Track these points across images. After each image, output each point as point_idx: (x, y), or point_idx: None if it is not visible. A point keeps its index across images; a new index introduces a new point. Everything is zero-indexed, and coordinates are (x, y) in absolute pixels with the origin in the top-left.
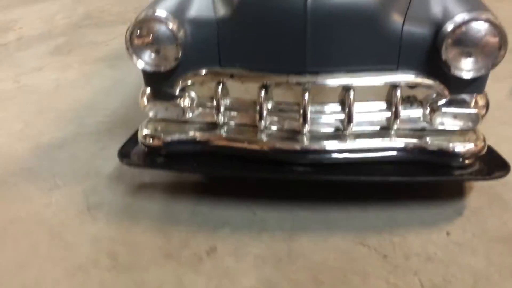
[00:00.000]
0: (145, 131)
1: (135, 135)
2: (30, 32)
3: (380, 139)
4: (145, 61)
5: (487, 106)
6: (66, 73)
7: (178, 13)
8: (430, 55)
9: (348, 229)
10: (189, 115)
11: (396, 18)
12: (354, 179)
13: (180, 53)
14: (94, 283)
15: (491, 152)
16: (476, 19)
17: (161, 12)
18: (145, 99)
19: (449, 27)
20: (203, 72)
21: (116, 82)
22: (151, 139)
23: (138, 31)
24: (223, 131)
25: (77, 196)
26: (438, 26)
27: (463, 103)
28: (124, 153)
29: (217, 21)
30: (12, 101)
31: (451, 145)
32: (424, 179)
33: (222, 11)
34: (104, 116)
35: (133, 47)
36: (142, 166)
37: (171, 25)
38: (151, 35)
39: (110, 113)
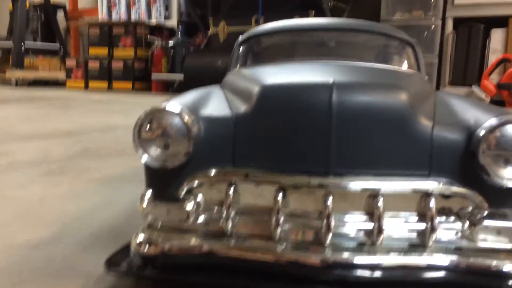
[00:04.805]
0: (141, 237)
1: (126, 246)
2: (24, 157)
3: (415, 255)
4: (151, 155)
5: None
6: (55, 189)
7: (193, 109)
8: (465, 162)
9: None
10: (193, 221)
11: (425, 122)
12: None
13: (191, 148)
14: None
15: None
16: (510, 122)
17: (175, 104)
18: (145, 202)
19: (484, 129)
20: (214, 171)
21: (106, 198)
22: (147, 246)
23: (149, 123)
24: (232, 241)
25: None
26: (470, 130)
27: (507, 217)
28: (113, 262)
29: (234, 118)
30: None
31: (500, 264)
32: None
33: (239, 107)
34: (88, 224)
35: (141, 140)
36: (133, 276)
37: (185, 118)
38: (163, 127)
39: (95, 222)
